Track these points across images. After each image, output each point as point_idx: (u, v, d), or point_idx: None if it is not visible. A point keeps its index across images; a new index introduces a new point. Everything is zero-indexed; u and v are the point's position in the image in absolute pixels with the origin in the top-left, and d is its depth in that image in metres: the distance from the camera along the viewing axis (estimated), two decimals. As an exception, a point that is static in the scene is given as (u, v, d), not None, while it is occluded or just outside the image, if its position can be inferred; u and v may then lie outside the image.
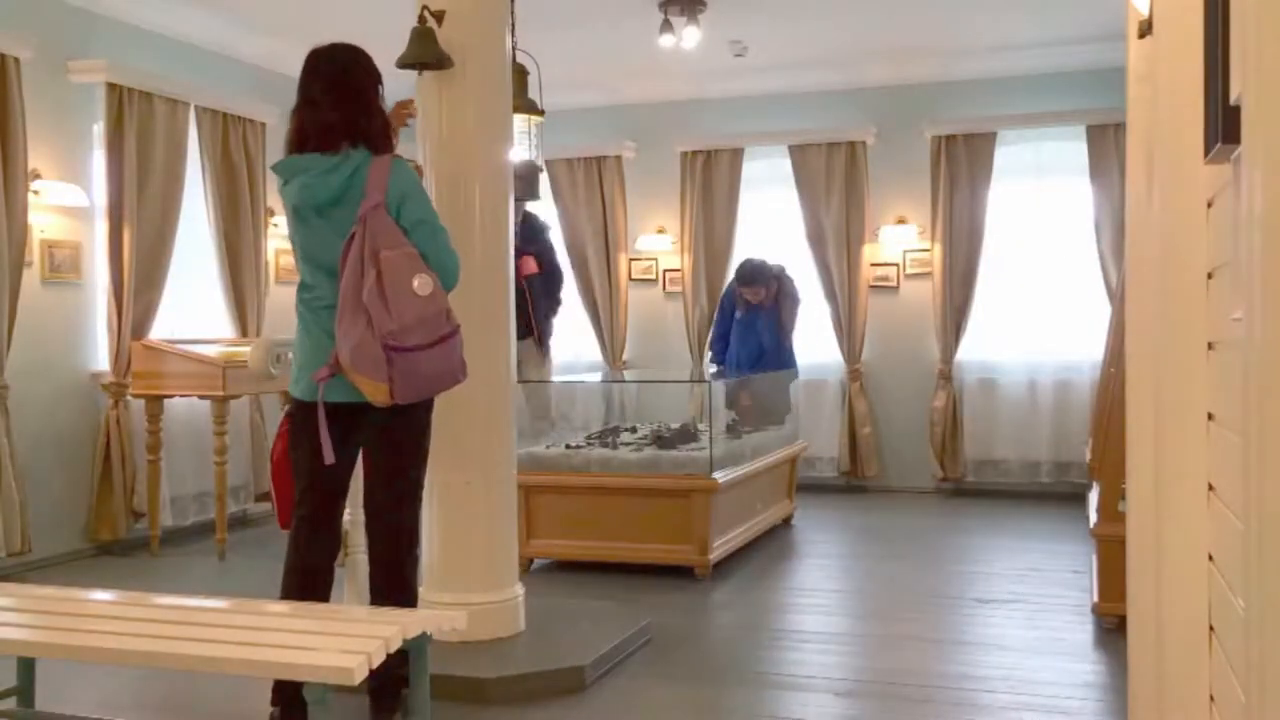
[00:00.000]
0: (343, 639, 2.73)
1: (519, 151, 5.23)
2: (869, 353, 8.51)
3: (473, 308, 4.22)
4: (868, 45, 7.98)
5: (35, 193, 5.94)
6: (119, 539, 6.30)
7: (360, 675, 2.53)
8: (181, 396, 6.37)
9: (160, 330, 6.60)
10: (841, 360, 8.50)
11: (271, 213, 7.57)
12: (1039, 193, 8.23)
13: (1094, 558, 4.72)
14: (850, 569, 6.18)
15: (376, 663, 2.62)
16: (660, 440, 6.17)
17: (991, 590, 5.39)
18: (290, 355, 4.05)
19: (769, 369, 7.38)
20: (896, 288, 8.51)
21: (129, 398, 6.33)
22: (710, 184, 8.77)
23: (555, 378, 8.55)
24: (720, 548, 5.74)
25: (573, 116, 8.56)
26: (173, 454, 6.64)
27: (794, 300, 7.50)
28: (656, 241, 9.03)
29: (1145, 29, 2.37)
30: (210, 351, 6.37)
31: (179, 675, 3.92)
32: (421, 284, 3.28)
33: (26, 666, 3.35)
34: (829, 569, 6.08)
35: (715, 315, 8.06)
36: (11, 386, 5.71)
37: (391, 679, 3.26)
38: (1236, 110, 1.41)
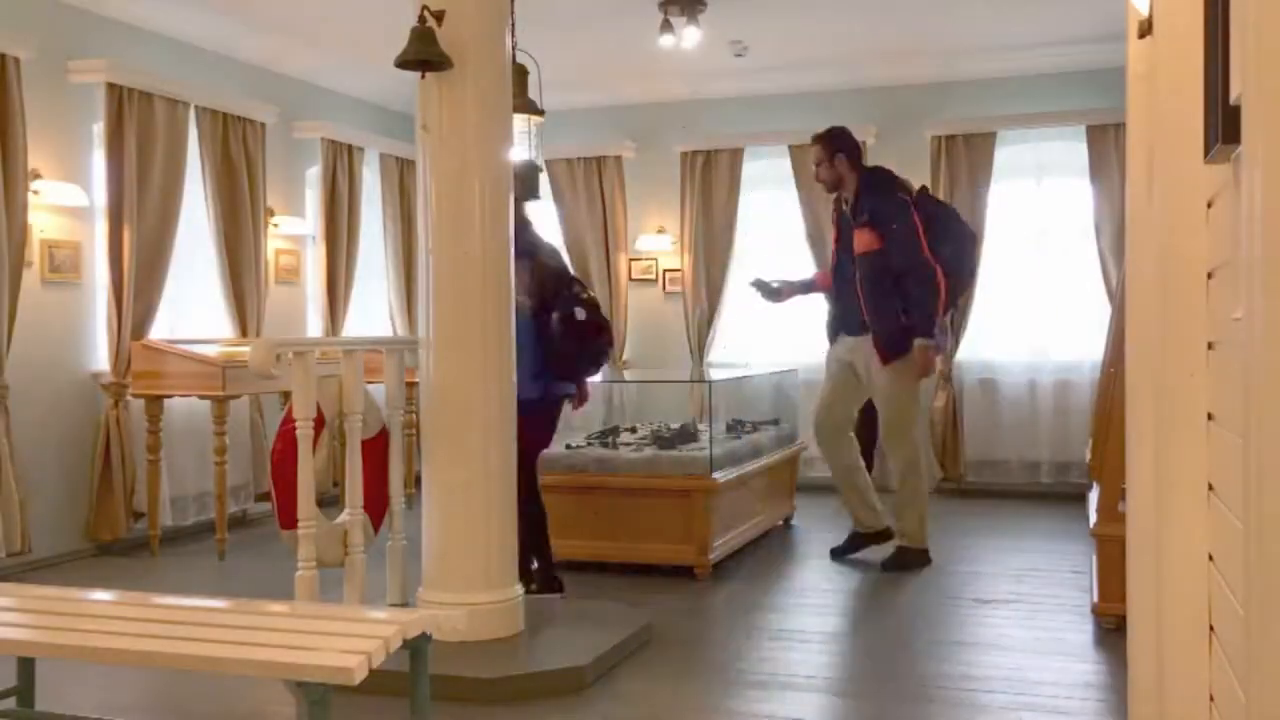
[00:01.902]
0: (343, 639, 2.73)
1: (519, 151, 5.22)
2: (869, 353, 8.50)
3: (473, 308, 4.23)
4: (868, 45, 7.98)
5: (35, 193, 5.94)
6: (119, 539, 6.30)
7: (360, 675, 2.53)
8: (181, 396, 6.37)
9: (160, 330, 6.60)
10: (841, 360, 8.48)
11: (271, 212, 7.58)
12: (1039, 193, 8.24)
13: (1094, 558, 4.72)
14: (850, 569, 6.18)
15: (377, 663, 2.62)
16: (660, 440, 6.17)
17: (991, 590, 5.39)
18: (291, 356, 4.04)
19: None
20: (896, 288, 8.50)
21: (129, 398, 6.33)
22: (710, 184, 8.77)
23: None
24: (720, 548, 5.74)
25: (573, 116, 8.56)
26: (173, 454, 6.64)
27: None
28: (656, 241, 9.03)
29: (1145, 29, 2.38)
30: (210, 351, 6.37)
31: (179, 675, 3.92)
32: None
33: (26, 666, 3.35)
34: (829, 569, 6.07)
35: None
36: (11, 386, 5.71)
37: None
38: (1236, 110, 1.41)
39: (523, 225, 4.80)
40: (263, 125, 7.37)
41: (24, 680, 3.35)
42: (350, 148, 8.15)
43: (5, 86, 5.65)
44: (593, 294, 5.50)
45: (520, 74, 5.12)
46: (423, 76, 4.18)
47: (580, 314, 4.98)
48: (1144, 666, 2.41)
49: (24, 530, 5.71)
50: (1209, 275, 1.98)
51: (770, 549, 6.41)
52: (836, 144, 5.88)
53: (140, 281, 6.39)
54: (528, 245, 4.88)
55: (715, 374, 7.92)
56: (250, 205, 7.22)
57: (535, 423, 4.87)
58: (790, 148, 8.53)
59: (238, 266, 7.14)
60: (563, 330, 4.91)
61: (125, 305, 6.30)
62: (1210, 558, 1.97)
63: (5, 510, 5.63)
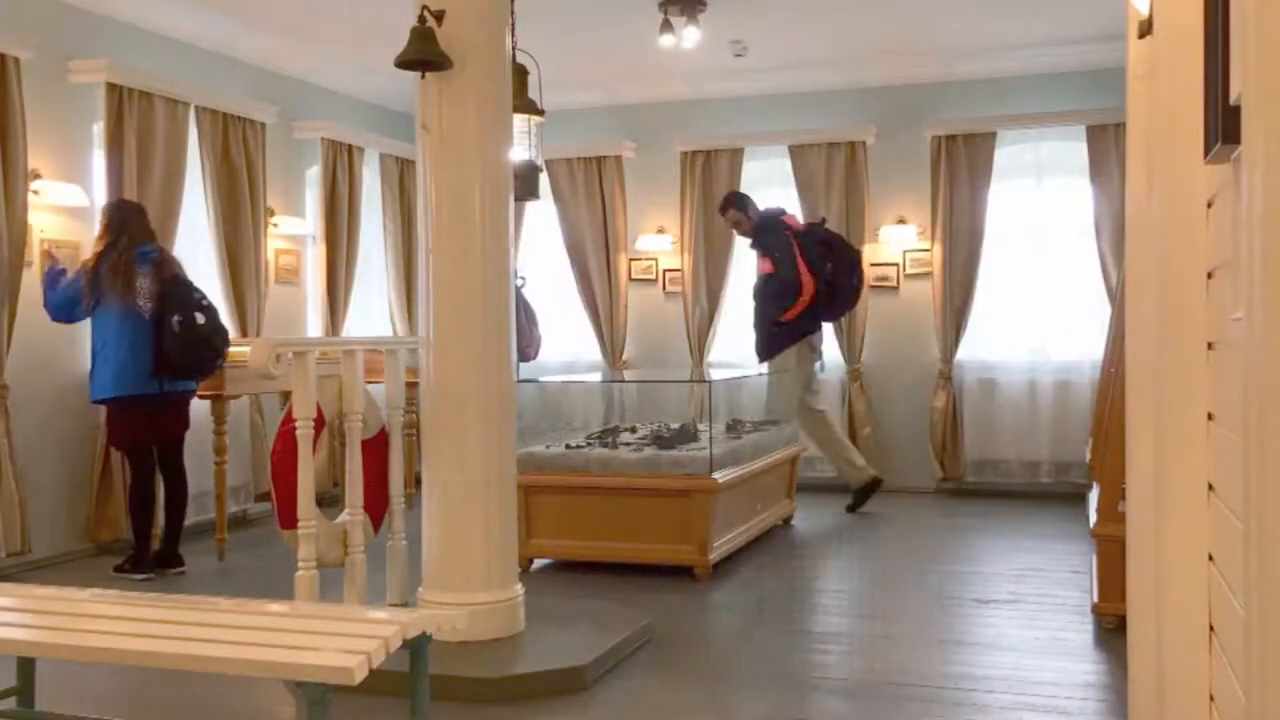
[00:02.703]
0: (343, 639, 2.72)
1: (519, 151, 5.23)
2: (869, 353, 8.51)
3: (473, 308, 4.23)
4: (868, 45, 7.98)
5: (35, 193, 5.95)
6: (119, 539, 6.30)
7: (360, 675, 2.53)
8: (181, 396, 6.36)
9: (160, 330, 6.59)
10: (841, 360, 8.49)
11: (272, 212, 7.58)
12: (1039, 193, 8.24)
13: (1094, 558, 4.72)
14: (850, 569, 6.18)
15: (377, 663, 2.62)
16: (660, 440, 6.17)
17: (991, 590, 5.39)
18: (291, 356, 4.04)
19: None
20: (896, 288, 8.51)
21: (129, 398, 6.32)
22: (710, 184, 8.77)
23: (554, 378, 8.58)
24: (720, 548, 5.74)
25: (573, 116, 8.57)
26: (173, 454, 6.63)
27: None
28: (656, 241, 9.03)
29: (1145, 29, 2.38)
30: (210, 351, 6.36)
31: (179, 675, 3.92)
32: None
33: (26, 666, 3.35)
34: (829, 569, 6.08)
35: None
36: (11, 386, 5.71)
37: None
38: (1236, 110, 1.41)
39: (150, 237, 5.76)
40: (263, 125, 7.37)
41: (24, 680, 3.35)
42: (350, 148, 8.15)
43: (5, 86, 5.66)
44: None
45: (520, 74, 5.13)
46: (423, 76, 4.18)
47: (201, 319, 5.59)
48: (1144, 666, 2.41)
49: (24, 530, 5.71)
50: (1209, 275, 1.98)
51: (770, 549, 6.41)
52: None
53: (140, 281, 6.38)
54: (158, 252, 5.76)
55: (715, 374, 7.92)
56: (250, 205, 7.22)
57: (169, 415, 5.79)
58: (790, 148, 8.53)
59: (238, 266, 7.14)
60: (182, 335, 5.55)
61: (125, 305, 6.29)
62: (1210, 558, 1.97)
63: (5, 510, 5.63)
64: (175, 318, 5.52)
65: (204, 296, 5.75)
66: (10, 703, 3.33)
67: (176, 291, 5.63)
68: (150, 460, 5.80)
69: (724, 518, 5.79)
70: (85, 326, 6.16)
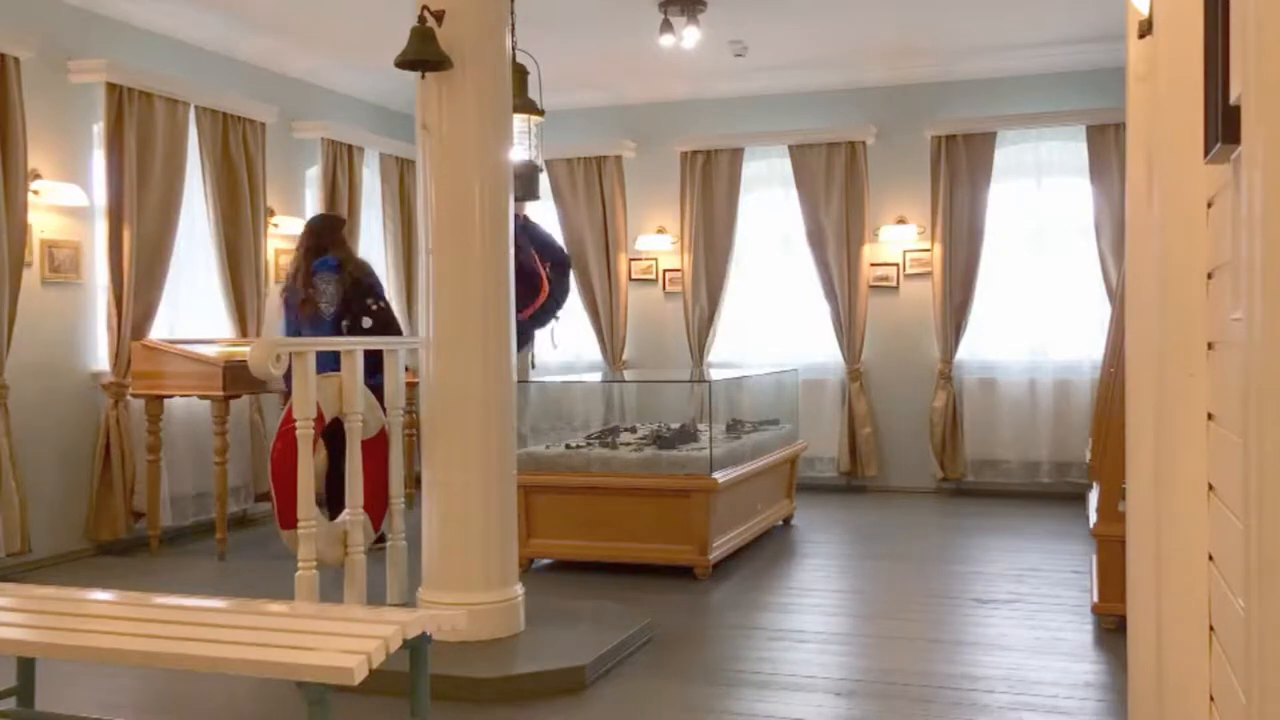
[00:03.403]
0: (343, 639, 2.73)
1: (519, 151, 5.24)
2: (869, 353, 8.51)
3: (473, 308, 4.23)
4: (868, 45, 7.98)
5: (35, 193, 5.94)
6: (119, 539, 6.31)
7: (360, 675, 2.53)
8: (181, 396, 6.37)
9: (160, 330, 6.60)
10: (841, 360, 8.50)
11: (272, 212, 7.58)
12: (1039, 193, 8.24)
13: (1094, 558, 4.72)
14: (850, 569, 6.18)
15: (377, 663, 2.62)
16: (660, 440, 6.17)
17: (991, 590, 5.39)
18: (291, 356, 4.04)
19: None
20: (896, 288, 8.52)
21: (129, 398, 6.33)
22: (710, 184, 8.77)
23: (556, 378, 8.58)
24: (720, 548, 5.74)
25: (573, 116, 8.57)
26: (173, 454, 6.64)
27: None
28: (656, 241, 9.03)
29: (1145, 29, 2.38)
30: (210, 351, 6.37)
31: (179, 675, 3.92)
32: None
33: (26, 666, 3.35)
34: (829, 569, 6.08)
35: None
36: (11, 386, 5.71)
37: None
38: (1236, 110, 1.41)
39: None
40: (263, 125, 7.37)
41: (24, 680, 3.35)
42: (350, 148, 8.15)
43: (5, 86, 5.65)
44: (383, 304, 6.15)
45: (520, 74, 5.13)
46: (423, 76, 4.18)
47: (367, 323, 5.87)
48: (1144, 666, 2.41)
49: (24, 530, 5.71)
50: (1209, 275, 1.98)
51: (770, 549, 6.41)
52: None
53: (140, 281, 6.39)
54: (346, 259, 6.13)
55: (715, 374, 7.92)
56: (250, 205, 7.22)
57: None
58: (790, 148, 8.53)
59: (238, 266, 7.14)
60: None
61: (125, 305, 6.30)
62: (1210, 558, 1.97)
63: (5, 510, 5.63)
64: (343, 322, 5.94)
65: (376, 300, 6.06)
66: (10, 703, 3.33)
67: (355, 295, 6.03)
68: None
69: (724, 518, 5.79)
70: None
